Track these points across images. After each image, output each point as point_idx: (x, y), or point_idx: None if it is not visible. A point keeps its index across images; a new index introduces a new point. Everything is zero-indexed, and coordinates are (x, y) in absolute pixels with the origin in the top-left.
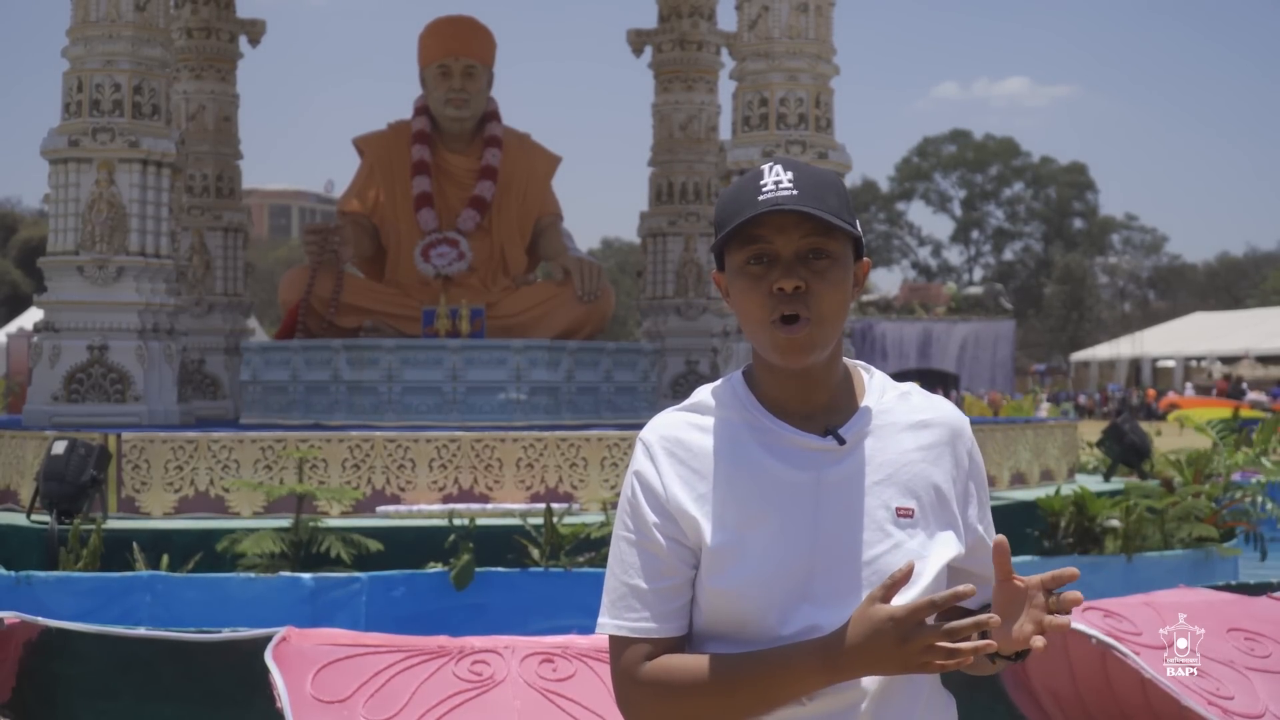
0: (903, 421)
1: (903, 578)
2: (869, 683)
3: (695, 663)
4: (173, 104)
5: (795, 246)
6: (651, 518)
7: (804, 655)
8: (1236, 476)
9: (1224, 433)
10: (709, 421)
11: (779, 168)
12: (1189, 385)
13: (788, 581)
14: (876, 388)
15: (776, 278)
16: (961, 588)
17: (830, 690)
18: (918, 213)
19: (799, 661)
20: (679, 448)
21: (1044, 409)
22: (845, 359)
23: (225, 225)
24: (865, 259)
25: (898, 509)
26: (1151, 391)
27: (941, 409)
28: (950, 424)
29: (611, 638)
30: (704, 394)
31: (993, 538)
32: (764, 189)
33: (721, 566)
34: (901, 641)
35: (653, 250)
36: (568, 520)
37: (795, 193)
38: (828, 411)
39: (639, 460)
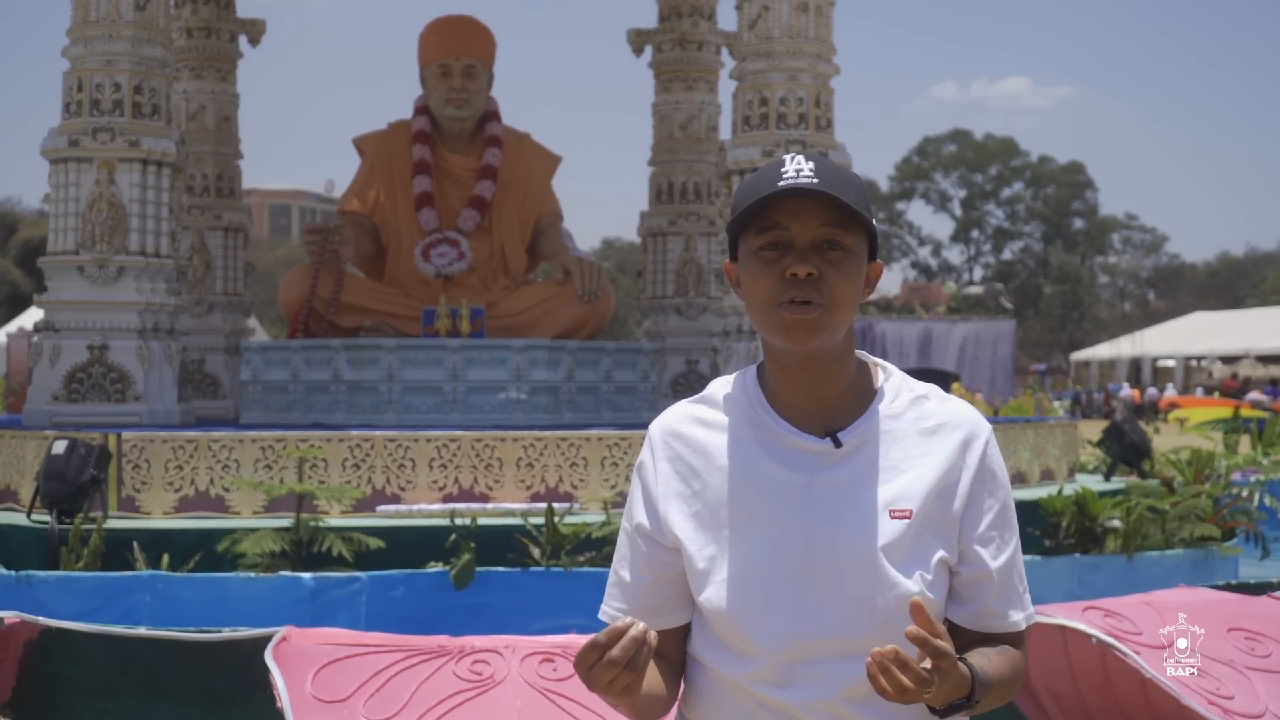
0: (911, 427)
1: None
2: (847, 685)
3: None
4: (173, 104)
5: (812, 235)
6: (640, 516)
7: None
8: (1236, 476)
9: (1228, 432)
10: (715, 415)
11: (800, 158)
12: (1198, 388)
13: (778, 582)
14: (891, 389)
15: (790, 263)
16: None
17: (808, 694)
18: (918, 212)
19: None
20: (679, 442)
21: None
22: (866, 357)
23: (225, 225)
24: (878, 261)
25: (892, 511)
26: (1163, 401)
27: (957, 414)
28: (963, 430)
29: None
30: (716, 386)
31: (1001, 557)
32: (784, 175)
33: (707, 564)
34: (587, 671)
35: (653, 250)
36: (568, 520)
37: (816, 180)
38: (835, 411)
39: (643, 454)
